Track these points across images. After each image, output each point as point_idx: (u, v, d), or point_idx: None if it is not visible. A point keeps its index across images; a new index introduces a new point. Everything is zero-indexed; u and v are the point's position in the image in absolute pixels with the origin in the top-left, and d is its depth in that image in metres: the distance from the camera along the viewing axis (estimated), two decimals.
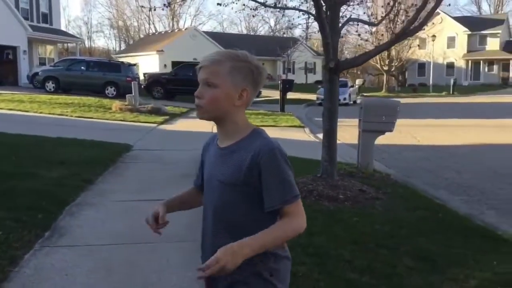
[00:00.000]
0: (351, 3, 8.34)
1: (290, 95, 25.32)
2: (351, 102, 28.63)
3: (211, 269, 1.51)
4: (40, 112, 14.65)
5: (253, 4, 8.23)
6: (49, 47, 33.95)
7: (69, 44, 41.28)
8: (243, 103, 1.70)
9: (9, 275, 3.65)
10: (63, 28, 39.72)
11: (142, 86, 23.67)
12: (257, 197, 1.65)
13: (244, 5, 8.70)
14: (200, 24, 66.39)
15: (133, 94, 17.32)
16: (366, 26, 12.46)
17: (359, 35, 10.22)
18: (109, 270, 3.90)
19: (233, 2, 8.59)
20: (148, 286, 3.68)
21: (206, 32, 46.88)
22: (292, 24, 15.03)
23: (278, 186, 1.62)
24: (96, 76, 22.93)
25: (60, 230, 4.76)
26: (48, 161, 7.37)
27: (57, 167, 7.06)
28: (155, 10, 9.01)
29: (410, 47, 42.21)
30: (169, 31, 48.80)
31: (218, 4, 8.61)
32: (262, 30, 71.04)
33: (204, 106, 1.67)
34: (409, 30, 6.54)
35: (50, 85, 22.94)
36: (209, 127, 12.12)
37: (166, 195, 1.88)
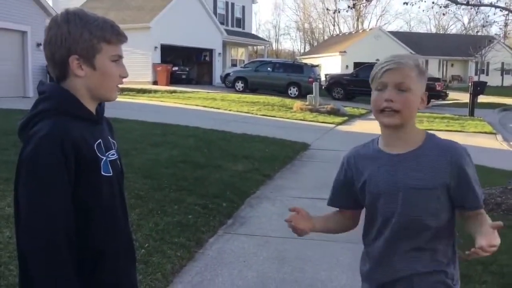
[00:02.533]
0: None
1: (482, 99, 23.26)
2: None
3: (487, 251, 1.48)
4: (230, 110, 15.92)
5: (443, 1, 7.80)
6: (241, 50, 36.66)
7: (258, 46, 43.99)
8: (421, 108, 1.72)
9: (195, 255, 4.09)
10: (253, 31, 42.49)
11: (323, 87, 24.07)
12: (447, 200, 1.65)
13: (433, 3, 8.26)
14: (385, 23, 64.91)
15: (313, 94, 17.74)
16: None
17: None
18: (282, 261, 4.10)
19: (421, 1, 8.23)
20: (317, 283, 3.77)
21: (391, 32, 45.57)
22: (487, 22, 13.72)
23: (478, 187, 1.65)
24: (281, 77, 24.03)
25: (240, 219, 5.16)
26: (233, 155, 8.01)
27: (241, 161, 7.63)
28: (339, 12, 9.09)
29: None
30: (353, 32, 48.67)
31: (404, 3, 8.35)
32: (454, 29, 66.42)
33: (399, 110, 1.62)
34: None
35: (239, 85, 24.75)
36: None
37: None
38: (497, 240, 1.48)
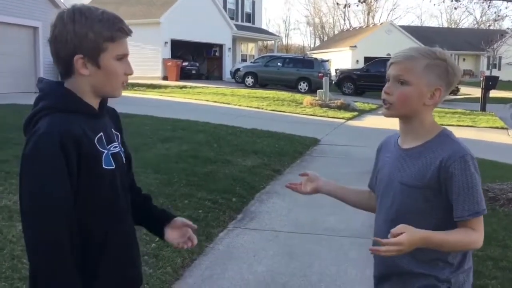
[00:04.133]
0: None
1: (494, 93, 23.08)
2: None
3: (388, 249, 1.46)
4: (239, 105, 15.93)
5: None
6: (251, 45, 36.61)
7: (268, 41, 43.89)
8: (434, 103, 1.64)
9: (205, 249, 4.12)
10: (263, 26, 42.41)
11: (333, 82, 23.98)
12: (440, 202, 1.59)
13: None
14: (396, 18, 64.49)
15: (323, 89, 17.68)
16: None
17: None
18: (291, 256, 4.11)
19: None
20: (326, 277, 3.78)
21: (402, 27, 45.21)
22: (499, 15, 13.59)
23: (469, 196, 1.55)
24: (291, 72, 23.95)
25: (250, 214, 5.18)
26: (243, 150, 8.03)
27: (251, 156, 7.64)
28: (349, 7, 9.03)
29: None
30: (364, 27, 48.38)
31: None
32: (466, 23, 65.79)
33: (393, 103, 1.63)
34: None
35: (249, 80, 24.73)
36: (398, 124, 11.71)
37: None
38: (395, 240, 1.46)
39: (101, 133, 1.51)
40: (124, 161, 1.61)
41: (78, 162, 1.42)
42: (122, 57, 1.51)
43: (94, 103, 1.53)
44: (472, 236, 1.56)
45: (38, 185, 1.38)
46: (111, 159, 1.51)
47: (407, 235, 1.47)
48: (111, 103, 1.64)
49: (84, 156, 1.43)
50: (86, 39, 1.44)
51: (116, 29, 1.47)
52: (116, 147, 1.56)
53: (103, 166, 1.48)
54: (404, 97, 1.61)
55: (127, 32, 1.51)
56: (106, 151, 1.50)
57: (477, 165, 1.58)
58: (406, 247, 1.47)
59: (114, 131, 1.59)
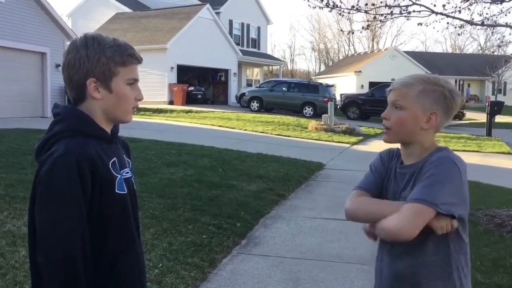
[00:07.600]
0: None
1: (499, 119, 23.05)
2: None
3: None
4: (245, 130, 15.96)
5: (458, 22, 7.78)
6: (256, 70, 36.90)
7: (273, 66, 44.27)
8: (431, 127, 1.68)
9: (208, 276, 4.08)
10: (269, 52, 42.78)
11: (338, 107, 24.05)
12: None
13: (448, 23, 8.24)
14: (401, 43, 65.00)
15: (328, 114, 17.72)
16: None
17: None
18: (296, 283, 4.06)
19: (436, 21, 8.22)
20: None
21: (407, 52, 45.51)
22: (502, 42, 13.68)
23: (427, 185, 1.55)
24: (296, 96, 24.07)
25: (255, 239, 5.13)
26: (248, 175, 8.00)
27: (255, 181, 7.62)
28: (353, 33, 9.12)
29: None
30: (368, 52, 48.75)
31: (418, 24, 8.34)
32: (470, 48, 66.18)
33: (390, 127, 1.69)
34: None
35: (254, 105, 24.84)
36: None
37: None
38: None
39: (115, 158, 1.53)
40: (134, 187, 1.63)
41: (93, 185, 1.43)
42: (133, 82, 1.55)
43: (106, 128, 1.55)
44: (391, 215, 1.58)
45: (53, 207, 1.38)
46: (124, 184, 1.53)
47: None
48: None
49: (99, 180, 1.44)
50: (99, 63, 1.48)
51: (127, 54, 1.52)
52: (128, 172, 1.59)
53: (116, 190, 1.50)
54: (399, 121, 1.67)
55: (137, 59, 1.55)
56: (119, 176, 1.52)
57: (462, 172, 1.58)
58: None
59: (125, 158, 1.63)
